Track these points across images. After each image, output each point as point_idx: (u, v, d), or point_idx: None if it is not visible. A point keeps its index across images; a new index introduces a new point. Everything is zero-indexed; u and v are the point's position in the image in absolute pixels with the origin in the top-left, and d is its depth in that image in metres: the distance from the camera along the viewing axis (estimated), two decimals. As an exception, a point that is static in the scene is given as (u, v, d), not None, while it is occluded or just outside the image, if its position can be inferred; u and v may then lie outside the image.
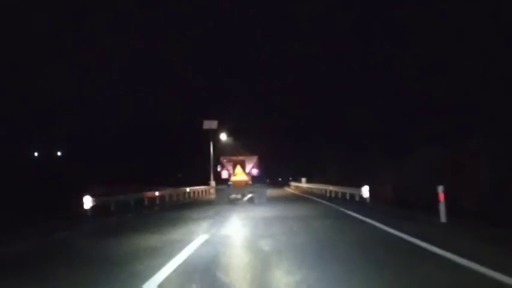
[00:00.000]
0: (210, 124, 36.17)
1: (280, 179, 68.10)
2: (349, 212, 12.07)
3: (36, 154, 46.82)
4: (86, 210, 14.77)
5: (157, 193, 21.77)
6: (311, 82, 58.46)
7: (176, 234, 8.33)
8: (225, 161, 22.12)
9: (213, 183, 34.00)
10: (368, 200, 16.44)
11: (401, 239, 6.84)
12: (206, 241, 7.14)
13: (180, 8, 60.24)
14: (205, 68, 70.55)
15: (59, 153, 49.20)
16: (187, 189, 27.70)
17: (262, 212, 13.31)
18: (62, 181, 25.55)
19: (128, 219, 13.04)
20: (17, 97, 37.19)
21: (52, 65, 47.38)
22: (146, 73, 61.68)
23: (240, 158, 21.71)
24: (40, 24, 44.64)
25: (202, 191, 31.38)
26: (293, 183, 46.17)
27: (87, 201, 14.98)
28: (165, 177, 35.87)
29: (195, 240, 7.21)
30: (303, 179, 40.84)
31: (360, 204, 15.98)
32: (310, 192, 29.55)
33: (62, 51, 48.81)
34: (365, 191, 16.75)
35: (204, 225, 9.80)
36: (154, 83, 61.43)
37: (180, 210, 15.80)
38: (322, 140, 44.82)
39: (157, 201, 21.07)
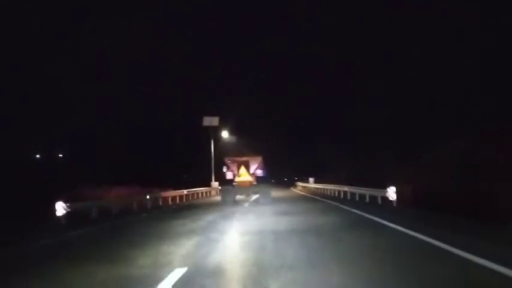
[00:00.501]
0: (210, 121, 33.61)
1: (286, 179, 66.57)
2: (383, 222, 9.10)
3: (38, 156, 45.10)
4: (58, 217, 12.82)
5: (148, 196, 19.31)
6: (311, 82, 57.99)
7: (140, 266, 5.45)
8: (229, 161, 21.92)
9: (214, 184, 31.73)
10: (395, 204, 14.05)
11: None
12: (179, 283, 4.29)
13: (180, 8, 59.33)
14: (205, 68, 69.56)
15: (60, 155, 47.47)
16: (185, 192, 25.11)
17: (270, 222, 10.38)
18: (56, 183, 23.40)
19: (97, 232, 10.39)
20: (17, 97, 36.21)
21: (52, 65, 46.47)
22: (146, 73, 60.87)
23: (244, 158, 21.52)
24: (40, 24, 43.74)
25: (202, 193, 29.04)
26: (300, 184, 44.04)
27: (59, 208, 13.02)
28: (168, 178, 33.64)
29: (163, 281, 4.36)
30: (311, 179, 39.10)
31: (385, 208, 13.44)
32: (321, 194, 27.17)
33: (62, 51, 47.97)
34: (392, 193, 14.27)
35: (188, 246, 6.92)
36: (155, 83, 60.27)
37: (169, 218, 13.19)
38: (325, 140, 44.70)
39: (149, 206, 18.57)
